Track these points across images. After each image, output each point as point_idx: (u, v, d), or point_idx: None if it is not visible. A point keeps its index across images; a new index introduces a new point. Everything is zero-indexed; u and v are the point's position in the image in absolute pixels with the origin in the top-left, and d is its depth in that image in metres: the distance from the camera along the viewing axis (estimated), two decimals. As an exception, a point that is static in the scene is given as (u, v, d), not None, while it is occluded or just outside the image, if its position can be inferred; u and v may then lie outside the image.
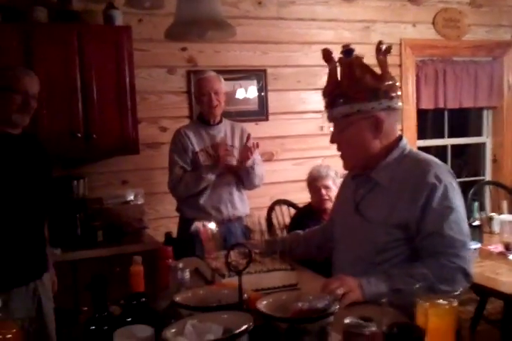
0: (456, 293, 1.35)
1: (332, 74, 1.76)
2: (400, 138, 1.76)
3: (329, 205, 2.69)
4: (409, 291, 1.44)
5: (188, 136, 3.00)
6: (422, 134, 4.45)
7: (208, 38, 1.78)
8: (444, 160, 4.63)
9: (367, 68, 1.71)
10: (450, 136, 4.63)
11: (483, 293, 2.90)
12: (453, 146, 4.67)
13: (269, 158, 3.87)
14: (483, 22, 4.52)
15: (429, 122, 4.80)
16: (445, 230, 1.57)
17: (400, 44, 4.20)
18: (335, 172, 2.91)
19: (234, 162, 3.01)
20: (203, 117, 3.09)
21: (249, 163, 2.95)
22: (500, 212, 3.53)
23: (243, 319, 1.03)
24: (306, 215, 2.88)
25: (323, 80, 2.49)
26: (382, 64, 1.73)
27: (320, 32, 4.02)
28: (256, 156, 3.01)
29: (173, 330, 1.01)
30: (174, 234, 2.67)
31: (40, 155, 2.31)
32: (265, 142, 3.83)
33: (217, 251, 1.94)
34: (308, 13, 3.98)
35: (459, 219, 1.61)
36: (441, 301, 1.21)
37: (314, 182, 2.89)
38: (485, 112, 4.71)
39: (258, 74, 3.85)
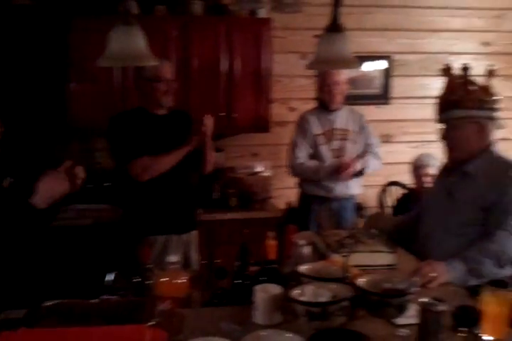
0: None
1: (449, 83, 2.18)
2: (491, 143, 2.14)
3: None
4: (480, 269, 1.94)
5: (309, 120, 3.40)
6: None
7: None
8: None
9: (477, 83, 2.12)
10: None
11: None
12: None
13: (386, 139, 4.14)
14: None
15: None
16: None
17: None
18: (438, 161, 3.19)
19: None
20: (324, 103, 3.44)
21: (358, 167, 3.28)
22: None
23: (346, 289, 1.46)
24: (410, 199, 3.20)
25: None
26: (487, 79, 2.13)
27: (449, 19, 4.13)
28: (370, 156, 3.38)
29: (297, 291, 1.48)
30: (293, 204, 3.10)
31: (187, 128, 2.79)
32: (384, 125, 4.12)
33: (331, 229, 2.39)
34: (440, 1, 4.08)
35: None
36: (501, 291, 1.51)
37: (418, 169, 3.20)
38: None
39: (383, 60, 4.09)
